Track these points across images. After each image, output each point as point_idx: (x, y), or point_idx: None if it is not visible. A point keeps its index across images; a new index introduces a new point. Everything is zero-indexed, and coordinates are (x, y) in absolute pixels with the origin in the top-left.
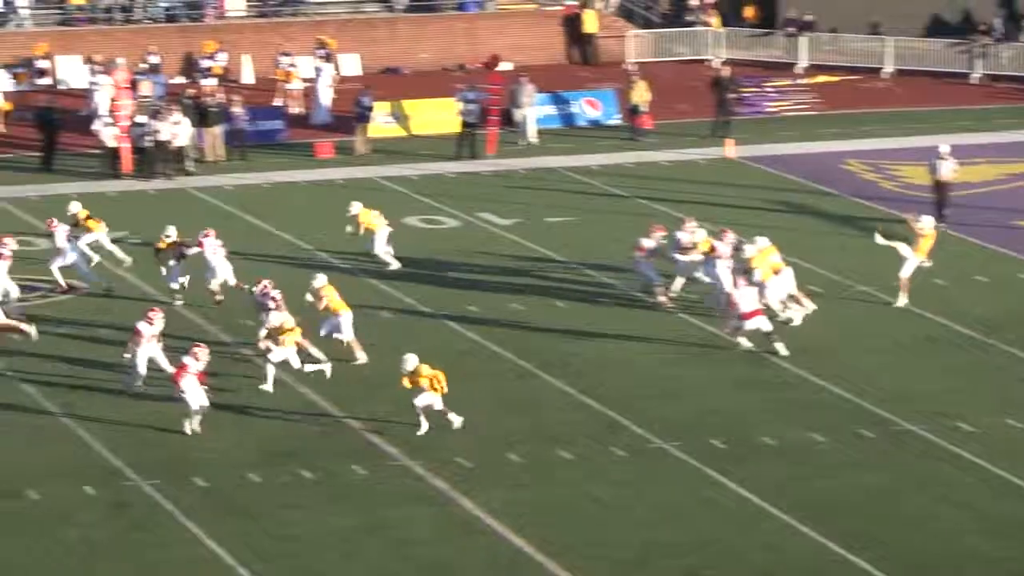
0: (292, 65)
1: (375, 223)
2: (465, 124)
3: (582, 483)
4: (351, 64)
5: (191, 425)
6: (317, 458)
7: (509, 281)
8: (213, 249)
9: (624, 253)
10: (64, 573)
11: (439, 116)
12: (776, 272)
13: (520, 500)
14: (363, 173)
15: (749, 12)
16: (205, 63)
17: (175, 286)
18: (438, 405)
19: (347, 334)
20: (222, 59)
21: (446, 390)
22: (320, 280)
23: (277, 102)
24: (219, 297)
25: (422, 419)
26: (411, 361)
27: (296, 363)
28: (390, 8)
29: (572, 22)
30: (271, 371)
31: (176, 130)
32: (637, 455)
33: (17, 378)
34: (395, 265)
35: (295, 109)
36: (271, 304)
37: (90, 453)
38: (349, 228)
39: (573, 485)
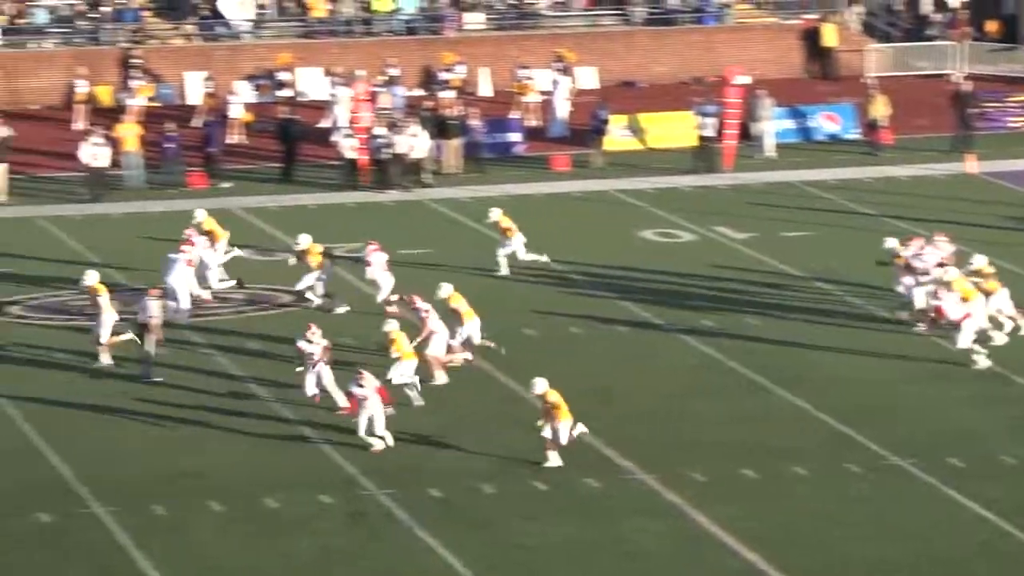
0: (529, 78)
1: (511, 229)
2: (702, 138)
3: (816, 499)
4: (588, 77)
5: (375, 446)
6: (551, 470)
7: (744, 295)
8: (377, 262)
9: (860, 269)
10: None
11: (676, 129)
12: (987, 293)
13: (753, 515)
14: (599, 186)
15: (992, 26)
16: (444, 75)
17: (301, 287)
18: (546, 433)
19: (476, 338)
20: (461, 71)
21: (561, 421)
22: (446, 290)
23: (514, 115)
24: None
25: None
26: (540, 385)
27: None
28: (628, 21)
29: (811, 36)
30: (410, 392)
31: (413, 142)
32: (872, 472)
33: (255, 386)
34: (504, 271)
35: (532, 122)
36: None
37: (327, 462)
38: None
39: (807, 501)
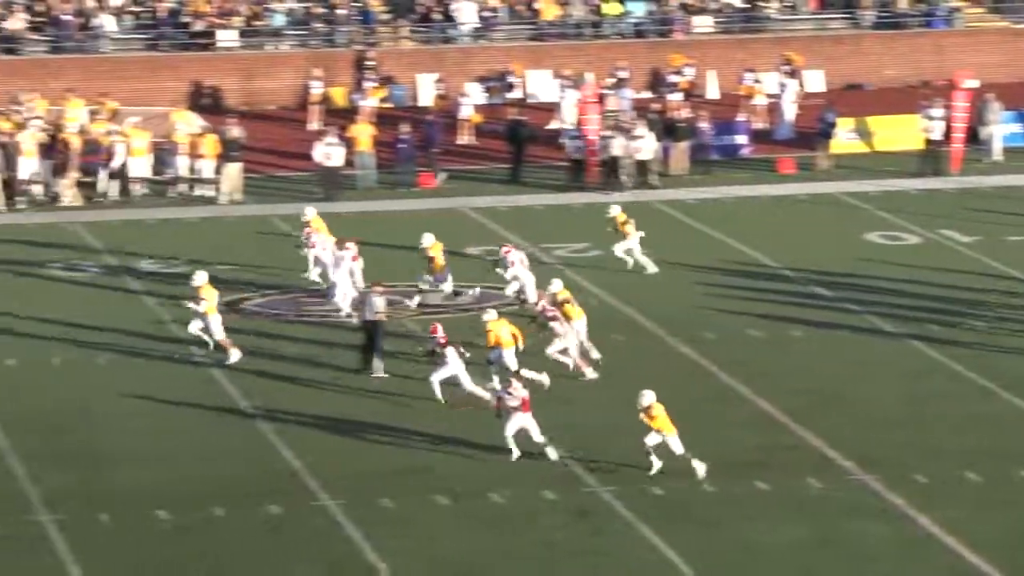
0: (757, 81)
1: (629, 228)
2: (929, 141)
3: None
4: (815, 80)
5: (553, 454)
6: (772, 470)
7: (970, 300)
8: (515, 262)
9: None
10: (524, 574)
11: (903, 133)
12: None
13: (978, 518)
14: (824, 189)
15: None
16: (672, 78)
17: (447, 289)
18: (652, 441)
19: (583, 336)
20: (689, 74)
21: (674, 431)
22: (557, 285)
23: (741, 117)
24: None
25: (653, 459)
26: (647, 397)
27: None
28: (856, 24)
29: None
30: (535, 375)
31: (640, 144)
32: None
33: (481, 384)
34: (631, 265)
35: (759, 124)
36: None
37: (545, 459)
38: (609, 228)
39: None
